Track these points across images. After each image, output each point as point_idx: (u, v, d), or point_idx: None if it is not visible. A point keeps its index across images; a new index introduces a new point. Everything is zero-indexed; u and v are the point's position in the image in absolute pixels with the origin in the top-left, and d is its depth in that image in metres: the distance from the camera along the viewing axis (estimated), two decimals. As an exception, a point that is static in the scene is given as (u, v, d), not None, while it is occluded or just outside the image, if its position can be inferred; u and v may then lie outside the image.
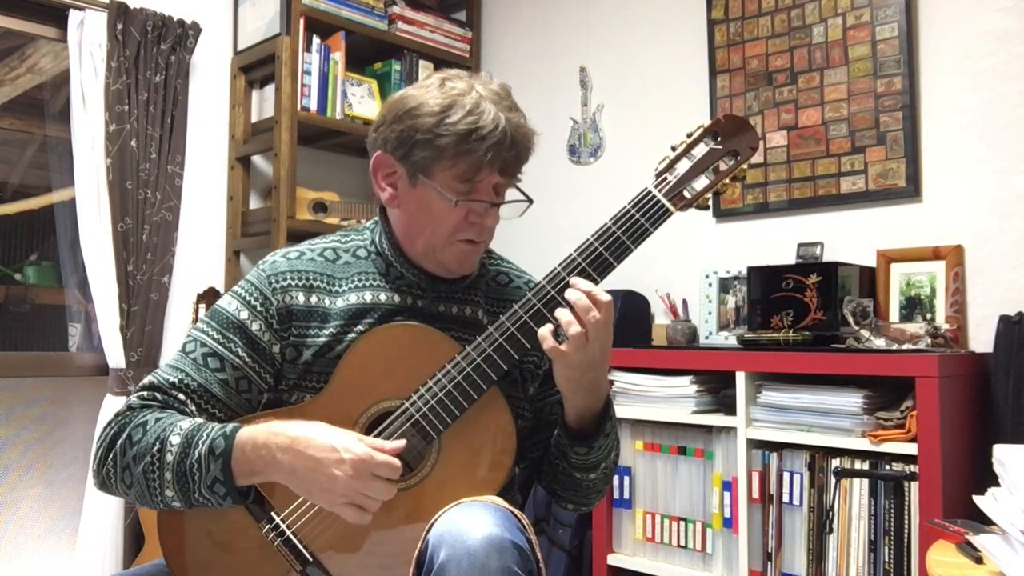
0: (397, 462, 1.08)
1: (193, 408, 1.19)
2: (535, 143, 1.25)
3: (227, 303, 1.25)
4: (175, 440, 1.12)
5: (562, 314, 1.13)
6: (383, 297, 1.26)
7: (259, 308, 1.23)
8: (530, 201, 1.27)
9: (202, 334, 1.23)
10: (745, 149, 1.21)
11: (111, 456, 1.16)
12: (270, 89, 2.89)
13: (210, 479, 1.10)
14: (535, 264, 1.45)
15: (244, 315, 1.22)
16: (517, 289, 1.36)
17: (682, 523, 2.20)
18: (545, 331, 1.13)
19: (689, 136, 1.22)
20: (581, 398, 1.19)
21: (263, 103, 3.01)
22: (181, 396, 1.19)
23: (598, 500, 1.36)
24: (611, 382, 2.33)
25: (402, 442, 1.13)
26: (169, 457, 1.11)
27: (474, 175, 1.19)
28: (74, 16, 2.57)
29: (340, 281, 1.26)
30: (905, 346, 1.99)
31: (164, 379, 1.20)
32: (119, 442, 1.15)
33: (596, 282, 1.17)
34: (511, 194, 1.27)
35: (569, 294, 1.13)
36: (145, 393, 1.20)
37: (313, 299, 1.24)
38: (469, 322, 1.29)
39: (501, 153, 1.18)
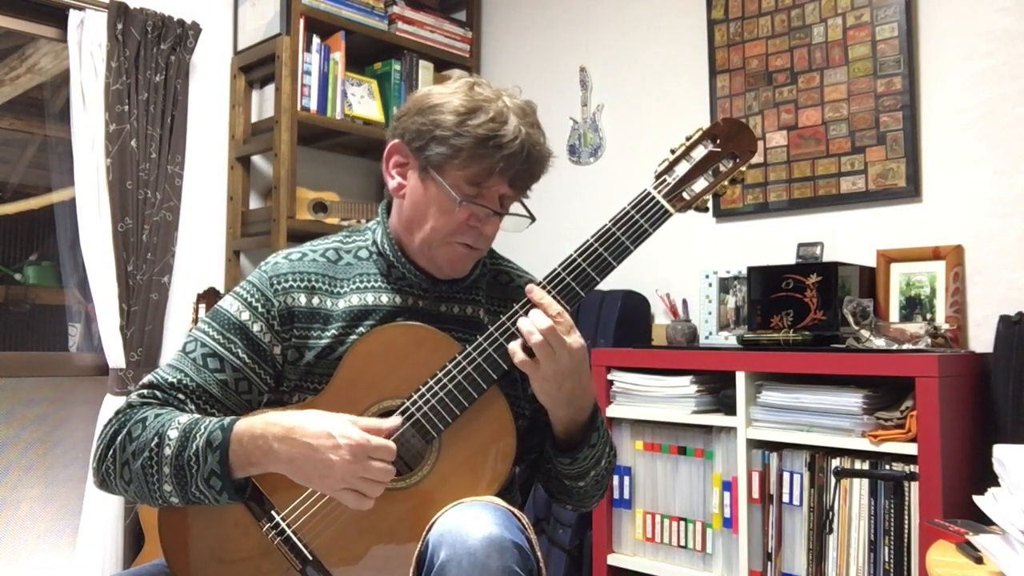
0: (392, 444, 1.09)
1: (193, 408, 1.19)
2: (550, 164, 1.26)
3: (228, 304, 1.25)
4: (173, 434, 1.12)
5: (523, 324, 1.14)
6: (384, 299, 1.26)
7: (260, 309, 1.23)
8: (532, 219, 1.28)
9: (203, 334, 1.23)
10: (743, 152, 1.21)
11: (111, 453, 1.16)
12: (270, 89, 2.89)
13: (207, 472, 1.10)
14: (535, 264, 1.45)
15: (245, 316, 1.23)
16: (518, 289, 1.36)
17: (682, 523, 2.20)
18: (515, 346, 1.14)
19: (688, 139, 1.23)
20: (563, 410, 1.20)
21: (263, 103, 3.01)
22: (181, 396, 1.19)
23: (594, 504, 1.37)
24: (609, 389, 2.33)
25: (397, 419, 1.13)
26: (167, 451, 1.12)
27: (483, 180, 1.20)
28: (74, 16, 2.57)
29: (342, 282, 1.27)
30: (905, 346, 2.00)
31: (164, 379, 1.20)
32: (119, 438, 1.15)
33: (597, 281, 1.18)
34: (516, 208, 1.28)
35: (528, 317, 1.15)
36: (145, 391, 1.20)
37: (315, 301, 1.24)
38: (470, 322, 1.29)
39: (514, 165, 1.19)
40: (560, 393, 1.17)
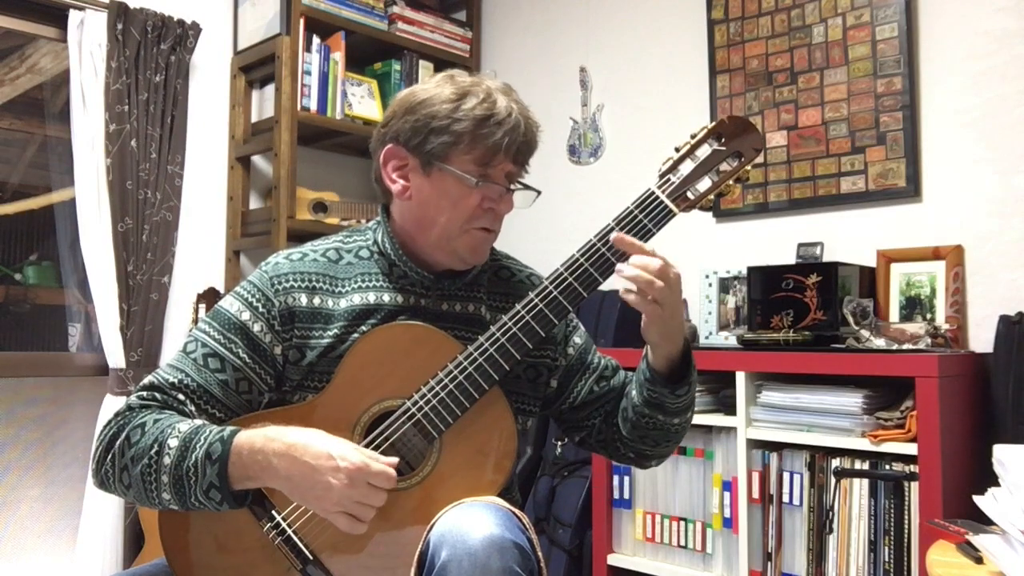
0: (393, 472, 1.09)
1: (192, 408, 1.18)
2: (540, 138, 1.29)
3: (229, 304, 1.25)
4: (173, 443, 1.11)
5: (638, 273, 1.14)
6: (387, 298, 1.26)
7: (261, 309, 1.23)
8: (538, 192, 1.29)
9: (203, 334, 1.22)
10: (749, 151, 1.21)
11: (109, 456, 1.16)
12: (270, 89, 2.89)
13: (206, 484, 1.10)
14: (536, 264, 1.45)
15: (246, 316, 1.22)
16: (520, 283, 1.36)
17: (682, 523, 2.21)
18: (637, 299, 1.15)
19: (693, 137, 1.22)
20: (671, 342, 1.23)
21: (263, 103, 3.01)
22: (181, 396, 1.19)
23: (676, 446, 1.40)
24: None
25: (396, 459, 1.12)
26: (167, 460, 1.11)
27: (491, 159, 1.21)
28: (74, 16, 2.56)
29: (343, 282, 1.27)
30: (905, 346, 2.00)
31: (164, 379, 1.20)
32: (117, 443, 1.15)
33: (600, 282, 1.19)
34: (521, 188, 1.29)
35: (630, 264, 1.15)
36: (145, 393, 1.20)
37: (316, 300, 1.24)
38: (473, 319, 1.29)
39: (516, 139, 1.21)
40: (671, 326, 1.20)
